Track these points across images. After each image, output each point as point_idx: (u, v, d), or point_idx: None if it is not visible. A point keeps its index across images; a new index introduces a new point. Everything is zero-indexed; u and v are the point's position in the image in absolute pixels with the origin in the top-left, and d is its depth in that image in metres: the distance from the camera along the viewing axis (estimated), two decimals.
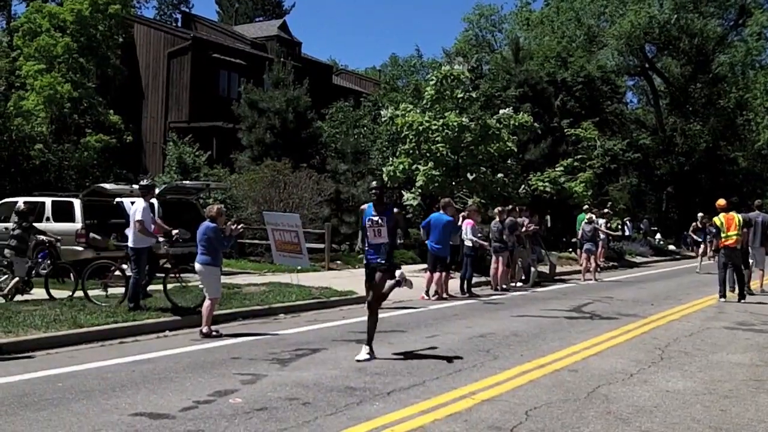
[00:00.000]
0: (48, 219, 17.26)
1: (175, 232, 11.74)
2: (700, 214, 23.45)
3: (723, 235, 15.31)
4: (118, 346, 9.38)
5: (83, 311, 10.73)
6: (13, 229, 12.50)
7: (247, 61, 34.87)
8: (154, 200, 14.64)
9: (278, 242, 15.70)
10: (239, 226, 11.56)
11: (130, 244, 11.37)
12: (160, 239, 11.74)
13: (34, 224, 13.32)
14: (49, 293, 12.31)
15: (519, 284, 18.01)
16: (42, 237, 13.07)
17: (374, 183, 8.94)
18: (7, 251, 12.51)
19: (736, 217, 15.36)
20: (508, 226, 17.33)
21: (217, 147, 30.37)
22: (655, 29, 42.68)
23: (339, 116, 30.28)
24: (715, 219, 15.74)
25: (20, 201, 18.68)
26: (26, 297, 12.22)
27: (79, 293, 12.17)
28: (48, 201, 17.77)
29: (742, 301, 14.90)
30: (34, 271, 12.83)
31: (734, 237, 15.20)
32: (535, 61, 35.82)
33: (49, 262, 13.15)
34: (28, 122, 27.21)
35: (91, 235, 14.96)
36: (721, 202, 15.82)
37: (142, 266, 11.32)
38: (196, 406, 6.28)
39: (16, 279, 12.18)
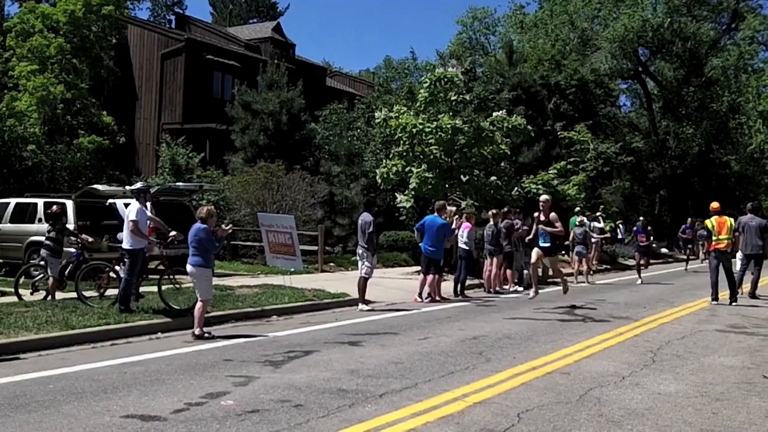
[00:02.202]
0: (40, 220, 17.21)
1: (172, 233, 11.72)
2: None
3: (714, 238, 15.33)
4: (110, 347, 9.35)
5: (75, 313, 10.69)
6: (49, 231, 13.13)
7: (241, 62, 34.84)
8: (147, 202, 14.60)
9: (272, 244, 15.67)
10: (228, 227, 11.56)
11: (125, 245, 11.34)
12: (152, 239, 11.71)
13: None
14: (79, 294, 12.21)
15: (512, 287, 18.01)
16: (73, 238, 13.48)
17: None
18: (43, 251, 13.09)
19: (728, 220, 15.38)
20: (505, 228, 17.36)
21: (210, 148, 30.34)
22: (649, 33, 42.77)
23: (333, 118, 30.29)
24: (707, 222, 15.76)
25: (14, 200, 18.69)
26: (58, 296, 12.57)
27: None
28: (40, 202, 17.72)
29: (734, 304, 14.93)
30: (67, 271, 13.06)
31: (725, 240, 15.22)
32: (528, 64, 35.92)
33: (81, 259, 13.24)
34: (21, 123, 27.14)
35: (84, 236, 14.91)
36: (715, 204, 15.85)
37: (135, 268, 11.30)
38: (188, 408, 6.26)
39: (52, 279, 12.66)
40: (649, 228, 22.00)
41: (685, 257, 29.22)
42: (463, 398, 6.73)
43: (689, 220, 29.55)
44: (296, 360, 8.49)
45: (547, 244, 14.09)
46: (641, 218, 24.52)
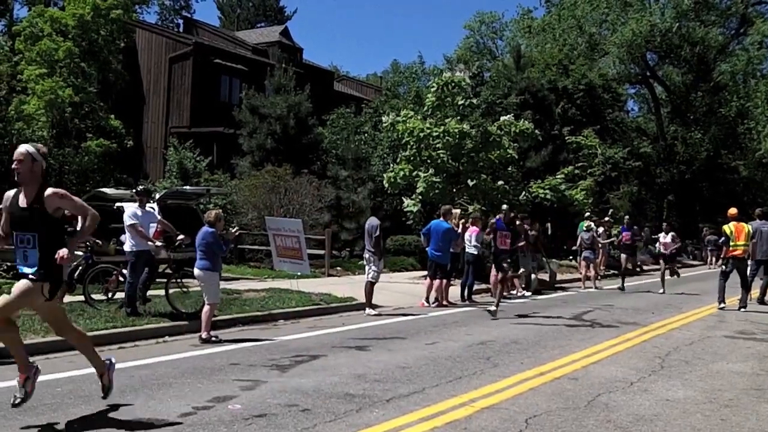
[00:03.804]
0: None
1: (180, 237, 11.72)
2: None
3: (732, 244, 15.26)
4: (117, 351, 9.34)
5: (83, 316, 10.71)
6: None
7: (249, 66, 34.92)
8: (154, 205, 14.63)
9: (279, 248, 15.69)
10: (234, 230, 11.59)
11: (126, 248, 11.38)
12: (159, 243, 11.71)
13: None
14: (87, 297, 12.12)
15: (519, 293, 17.98)
16: (86, 242, 13.26)
17: None
18: None
19: (746, 227, 15.30)
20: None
21: (217, 152, 30.39)
22: (657, 37, 42.74)
23: (340, 122, 30.32)
24: (725, 227, 15.67)
25: None
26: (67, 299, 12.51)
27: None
28: None
29: (743, 309, 14.86)
30: (76, 273, 12.97)
31: (742, 247, 15.16)
32: (536, 68, 35.90)
33: (90, 262, 13.21)
34: (29, 126, 27.26)
35: (92, 239, 14.97)
36: (733, 211, 15.79)
37: (138, 271, 11.32)
38: (195, 412, 6.26)
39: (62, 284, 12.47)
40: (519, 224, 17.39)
41: (619, 272, 21.62)
42: (470, 403, 6.71)
43: (626, 218, 23.27)
44: (303, 364, 8.48)
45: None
46: (502, 211, 15.89)
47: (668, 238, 19.59)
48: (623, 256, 21.06)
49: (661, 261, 20.07)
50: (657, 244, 21.07)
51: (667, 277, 19.43)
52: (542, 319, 13.03)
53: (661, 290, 18.81)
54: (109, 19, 30.75)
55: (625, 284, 19.94)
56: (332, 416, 6.19)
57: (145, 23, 39.33)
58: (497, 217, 15.88)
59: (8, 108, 26.93)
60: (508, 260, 15.18)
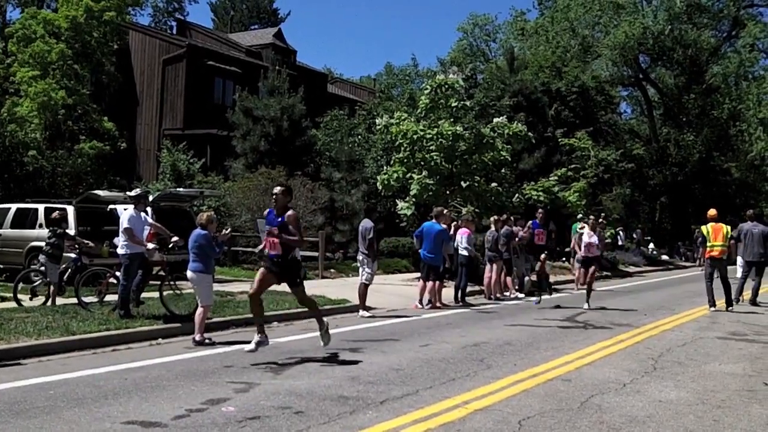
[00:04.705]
0: (41, 225, 17.22)
1: (174, 239, 11.69)
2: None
3: (709, 244, 15.35)
4: (111, 353, 9.33)
5: (76, 318, 10.67)
6: (49, 237, 13.12)
7: (242, 68, 34.89)
8: (147, 208, 14.59)
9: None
10: (226, 231, 11.58)
11: (120, 251, 11.35)
12: (150, 246, 11.66)
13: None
14: (79, 300, 12.07)
15: (513, 294, 17.99)
16: (69, 242, 13.40)
17: None
18: (41, 257, 13.27)
19: (724, 228, 15.38)
20: (505, 235, 17.34)
21: (211, 154, 30.37)
22: (649, 40, 42.90)
23: (334, 124, 30.32)
24: (703, 228, 15.78)
25: (15, 206, 18.70)
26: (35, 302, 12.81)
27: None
28: (41, 208, 17.74)
29: (731, 309, 14.93)
30: (66, 276, 13.05)
31: (719, 248, 15.21)
32: (529, 70, 36.03)
33: (79, 264, 13.13)
34: (22, 128, 27.22)
35: (79, 239, 14.93)
36: (712, 212, 15.87)
37: (131, 273, 11.30)
38: (189, 415, 6.25)
39: (53, 286, 12.82)
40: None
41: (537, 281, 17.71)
42: (464, 405, 6.72)
43: (539, 211, 19.29)
44: (297, 366, 8.49)
45: None
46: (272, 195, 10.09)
47: (594, 239, 15.76)
48: (533, 258, 17.44)
49: (581, 268, 16.39)
50: (579, 247, 16.65)
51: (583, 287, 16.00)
52: (535, 321, 13.03)
53: (585, 305, 15.20)
54: (102, 21, 30.72)
55: (542, 296, 16.53)
56: (326, 418, 6.19)
57: (139, 25, 39.24)
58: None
59: (1, 110, 26.87)
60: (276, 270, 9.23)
